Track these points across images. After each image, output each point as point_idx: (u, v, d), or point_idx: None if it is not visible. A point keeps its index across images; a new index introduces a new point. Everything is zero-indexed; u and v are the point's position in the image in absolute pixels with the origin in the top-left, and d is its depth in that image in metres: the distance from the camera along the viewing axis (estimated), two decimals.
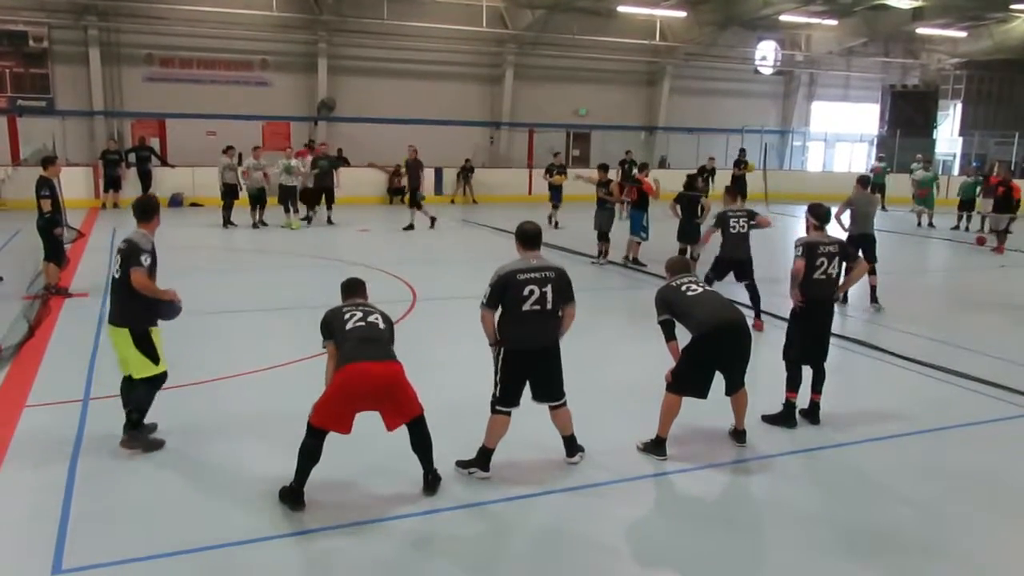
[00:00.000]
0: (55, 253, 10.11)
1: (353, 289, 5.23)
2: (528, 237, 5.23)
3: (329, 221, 17.85)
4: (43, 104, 22.11)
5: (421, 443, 4.84)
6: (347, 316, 4.86)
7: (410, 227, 17.09)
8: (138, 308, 5.45)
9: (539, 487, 5.10)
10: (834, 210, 7.90)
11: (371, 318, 4.89)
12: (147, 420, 5.57)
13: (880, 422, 6.32)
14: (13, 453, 5.44)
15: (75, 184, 19.12)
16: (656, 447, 5.58)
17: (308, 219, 17.99)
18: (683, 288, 5.68)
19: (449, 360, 7.72)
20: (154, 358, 5.50)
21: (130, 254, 5.42)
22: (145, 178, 20.52)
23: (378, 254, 14.02)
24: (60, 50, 22.08)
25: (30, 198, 9.95)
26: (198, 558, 4.21)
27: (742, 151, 24.20)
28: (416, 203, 17.21)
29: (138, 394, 5.48)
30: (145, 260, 5.41)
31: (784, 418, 6.19)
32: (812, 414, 6.28)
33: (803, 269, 6.14)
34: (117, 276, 5.48)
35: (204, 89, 23.59)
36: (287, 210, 17.08)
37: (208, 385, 6.89)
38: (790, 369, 6.26)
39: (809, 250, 6.19)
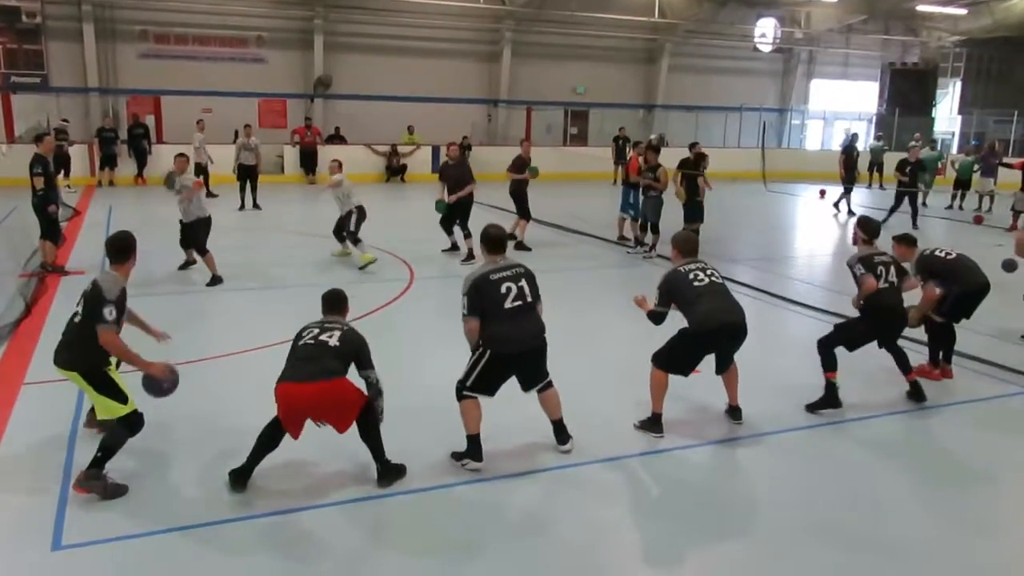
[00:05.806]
0: (51, 231, 10.08)
1: (331, 304, 5.10)
2: (493, 241, 5.27)
3: (469, 255, 11.54)
4: (37, 81, 21.95)
5: (365, 436, 4.78)
6: (305, 334, 4.83)
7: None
8: (88, 350, 4.69)
9: (533, 465, 5.12)
10: None
11: (324, 336, 4.76)
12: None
13: (877, 400, 6.34)
14: (12, 430, 5.46)
15: (71, 162, 18.97)
16: (653, 425, 5.60)
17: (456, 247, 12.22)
18: (690, 276, 5.60)
19: (446, 340, 7.69)
20: (119, 397, 4.75)
21: (95, 303, 4.63)
22: (140, 156, 20.44)
23: (376, 232, 13.96)
24: (54, 26, 21.90)
25: (25, 176, 9.87)
26: (193, 535, 4.24)
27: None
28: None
29: (110, 433, 4.75)
30: (110, 315, 4.59)
31: (828, 401, 6.11)
32: (917, 393, 6.32)
33: (875, 284, 6.07)
34: (77, 320, 4.74)
35: (199, 66, 23.44)
36: (343, 239, 11.41)
37: (207, 363, 6.88)
38: (826, 352, 6.18)
39: (867, 264, 6.18)
